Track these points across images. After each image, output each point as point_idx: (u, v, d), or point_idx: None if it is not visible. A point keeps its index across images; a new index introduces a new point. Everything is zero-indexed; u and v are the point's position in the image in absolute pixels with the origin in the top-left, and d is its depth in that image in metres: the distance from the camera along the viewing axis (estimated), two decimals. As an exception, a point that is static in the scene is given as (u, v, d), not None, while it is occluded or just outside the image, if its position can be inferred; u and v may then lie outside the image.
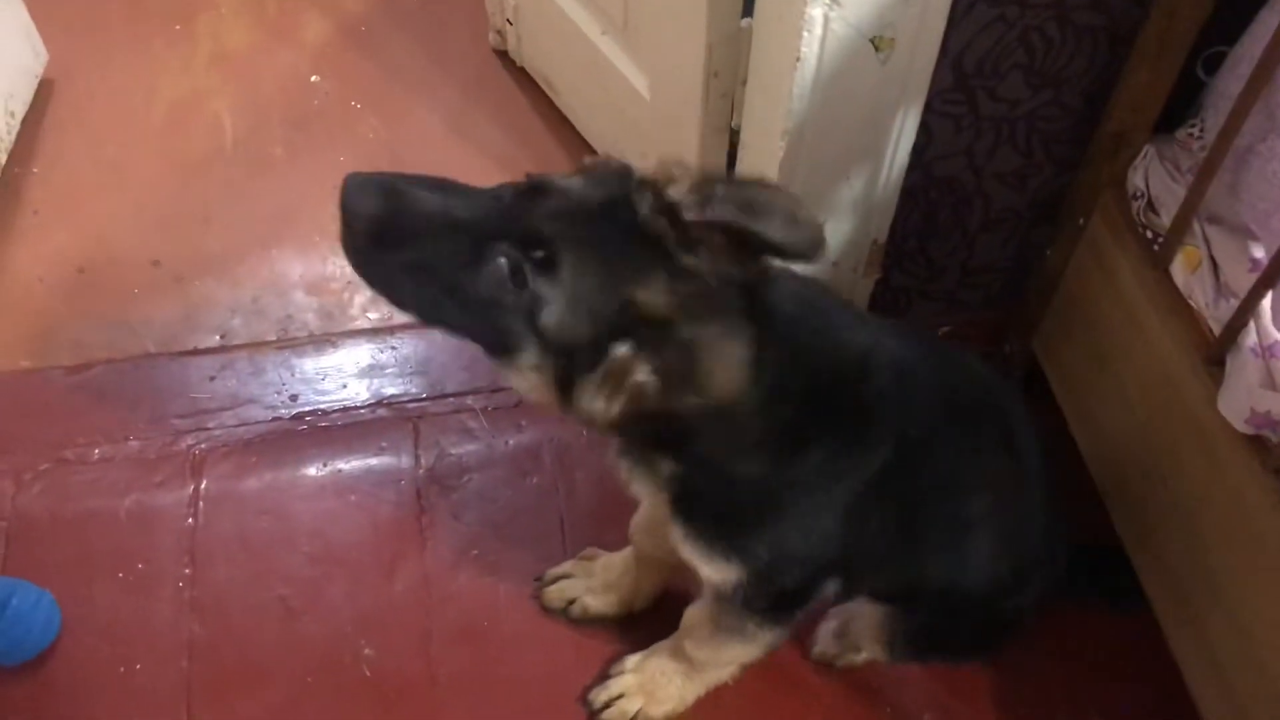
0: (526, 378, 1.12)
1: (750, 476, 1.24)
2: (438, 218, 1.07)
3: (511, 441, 1.93)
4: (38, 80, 2.40)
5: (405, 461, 1.91)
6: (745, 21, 1.77)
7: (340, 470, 1.90)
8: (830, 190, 1.68)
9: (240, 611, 1.74)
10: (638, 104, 2.09)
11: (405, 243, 1.08)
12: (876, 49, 1.47)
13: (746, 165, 1.88)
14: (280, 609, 1.75)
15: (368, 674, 1.69)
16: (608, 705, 1.63)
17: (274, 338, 2.09)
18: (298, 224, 2.26)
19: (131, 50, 2.56)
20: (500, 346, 1.12)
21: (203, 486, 1.87)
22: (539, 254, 1.05)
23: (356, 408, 1.98)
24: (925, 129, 1.62)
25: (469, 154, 2.40)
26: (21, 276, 2.15)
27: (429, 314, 1.17)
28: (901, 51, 1.48)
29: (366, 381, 2.02)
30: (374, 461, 1.92)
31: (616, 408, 1.07)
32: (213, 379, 2.01)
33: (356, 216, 1.07)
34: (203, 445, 1.92)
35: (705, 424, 1.13)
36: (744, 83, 1.81)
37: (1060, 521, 1.53)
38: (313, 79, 2.51)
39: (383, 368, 2.05)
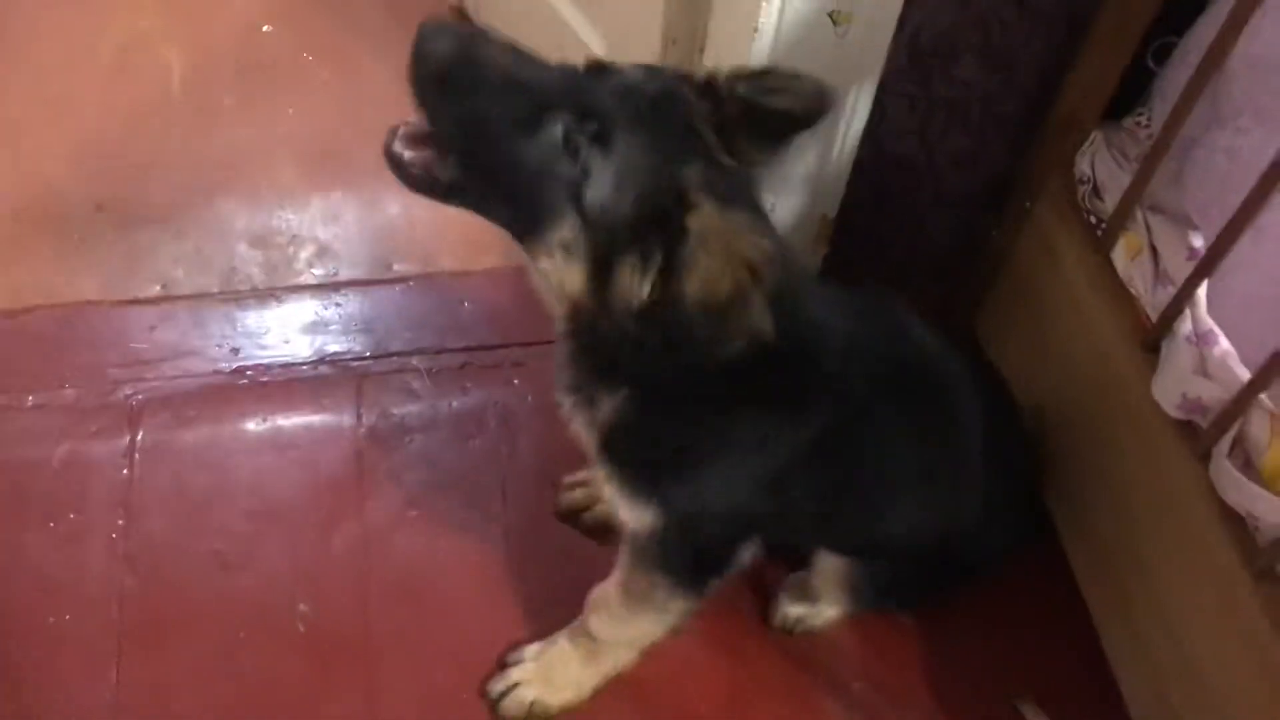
0: (556, 256, 1.12)
1: (683, 422, 1.27)
2: (504, 75, 1.10)
3: (455, 404, 1.92)
4: (-20, 17, 2.34)
5: (347, 420, 1.89)
6: (699, -14, 1.76)
7: (280, 426, 1.89)
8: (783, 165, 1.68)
9: (173, 564, 1.72)
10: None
11: (469, 93, 1.09)
12: (834, 23, 1.48)
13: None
14: (215, 562, 1.73)
15: (302, 629, 1.68)
16: (504, 694, 1.61)
17: (217, 290, 2.05)
18: (245, 175, 2.23)
19: (76, -13, 2.50)
20: (536, 219, 1.12)
21: (139, 437, 1.84)
22: (593, 127, 1.08)
23: (298, 364, 1.96)
24: (879, 107, 1.63)
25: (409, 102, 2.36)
26: (-41, 217, 2.10)
27: (472, 174, 1.16)
28: (858, 27, 1.49)
29: (310, 338, 2.00)
30: (315, 419, 1.90)
31: (645, 291, 1.06)
32: (153, 329, 1.98)
33: (427, 57, 1.08)
34: (140, 396, 1.89)
35: (679, 339, 1.10)
36: (701, 50, 1.80)
37: (1022, 477, 1.63)
38: (265, 28, 2.46)
39: (326, 324, 2.02)
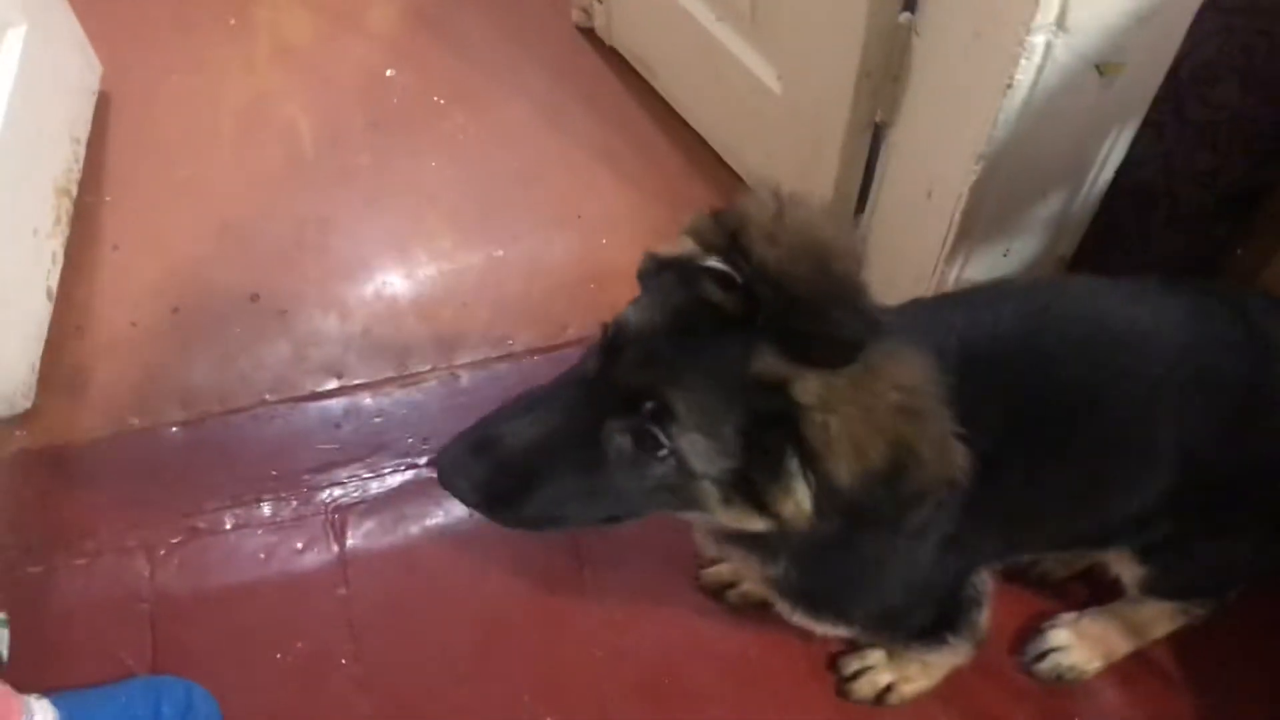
0: (723, 518, 1.04)
1: (846, 554, 1.22)
2: (539, 442, 1.01)
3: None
4: (95, 97, 2.23)
5: (557, 506, 1.81)
6: (904, 16, 1.62)
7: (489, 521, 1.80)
8: (1022, 211, 1.56)
9: (408, 685, 1.66)
10: (764, 96, 1.94)
11: (530, 487, 1.03)
12: (1101, 74, 1.34)
13: (898, 167, 1.76)
14: (450, 678, 1.67)
15: (551, 743, 1.62)
16: (857, 675, 1.62)
17: (393, 373, 1.96)
18: (397, 240, 2.12)
19: (185, 51, 2.38)
20: (684, 508, 1.06)
21: (348, 548, 1.77)
22: (649, 406, 0.97)
23: (495, 449, 1.87)
24: (1125, 139, 1.50)
25: (565, 147, 2.24)
26: (113, 321, 2.01)
27: (609, 524, 1.11)
28: (1128, 74, 1.35)
29: (499, 417, 1.91)
30: (523, 507, 1.82)
31: (806, 500, 0.96)
32: (338, 426, 1.90)
33: (466, 493, 1.04)
34: (340, 502, 1.81)
35: (871, 519, 1.00)
36: (895, 79, 1.66)
37: None
38: (388, 73, 2.34)
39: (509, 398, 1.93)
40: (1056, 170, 1.48)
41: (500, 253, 2.10)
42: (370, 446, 1.88)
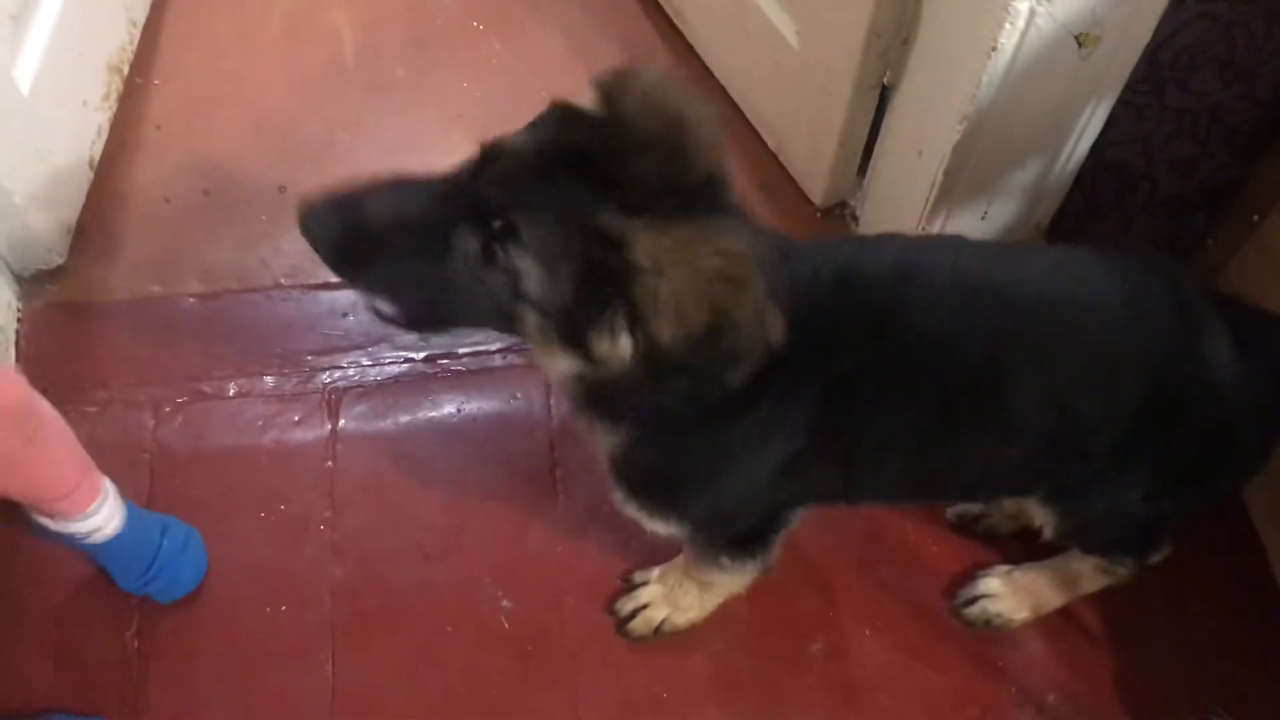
0: (537, 349, 1.12)
1: (685, 442, 1.26)
2: (394, 220, 1.09)
3: (644, 397, 1.93)
4: (155, -15, 2.35)
5: (538, 412, 1.92)
6: (917, -19, 1.70)
7: (474, 417, 1.92)
8: (1001, 175, 1.64)
9: (379, 556, 1.78)
10: (782, 49, 2.02)
11: (373, 255, 1.10)
12: (1080, 44, 1.42)
13: (897, 126, 1.84)
14: (418, 554, 1.78)
15: (506, 625, 1.73)
16: (633, 615, 1.70)
17: (402, 273, 2.07)
18: (422, 151, 2.23)
19: (245, -51, 2.48)
20: (502, 326, 1.12)
21: (340, 426, 1.89)
22: (498, 224, 1.03)
23: (489, 353, 1.98)
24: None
25: (588, 80, 2.33)
26: (147, 195, 2.13)
27: (432, 319, 1.20)
28: (1105, 48, 1.43)
29: (497, 324, 2.01)
30: (507, 410, 1.93)
31: (626, 349, 1.02)
32: (345, 316, 2.01)
33: (319, 244, 1.11)
34: (338, 385, 1.93)
35: (685, 379, 1.05)
36: (904, 41, 1.74)
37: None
38: (433, -6, 2.44)
39: (511, 309, 2.03)
40: (1034, 137, 1.56)
41: (517, 173, 2.20)
42: (372, 337, 1.99)
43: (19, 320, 1.95)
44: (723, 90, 2.29)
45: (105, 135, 2.15)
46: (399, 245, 1.09)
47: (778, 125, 2.16)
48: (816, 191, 2.12)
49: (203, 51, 2.32)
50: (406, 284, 1.13)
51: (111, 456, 1.81)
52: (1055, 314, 1.24)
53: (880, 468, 1.34)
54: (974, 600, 1.73)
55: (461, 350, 1.98)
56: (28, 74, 1.87)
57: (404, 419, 1.91)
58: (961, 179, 1.63)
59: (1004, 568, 1.74)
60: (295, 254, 2.08)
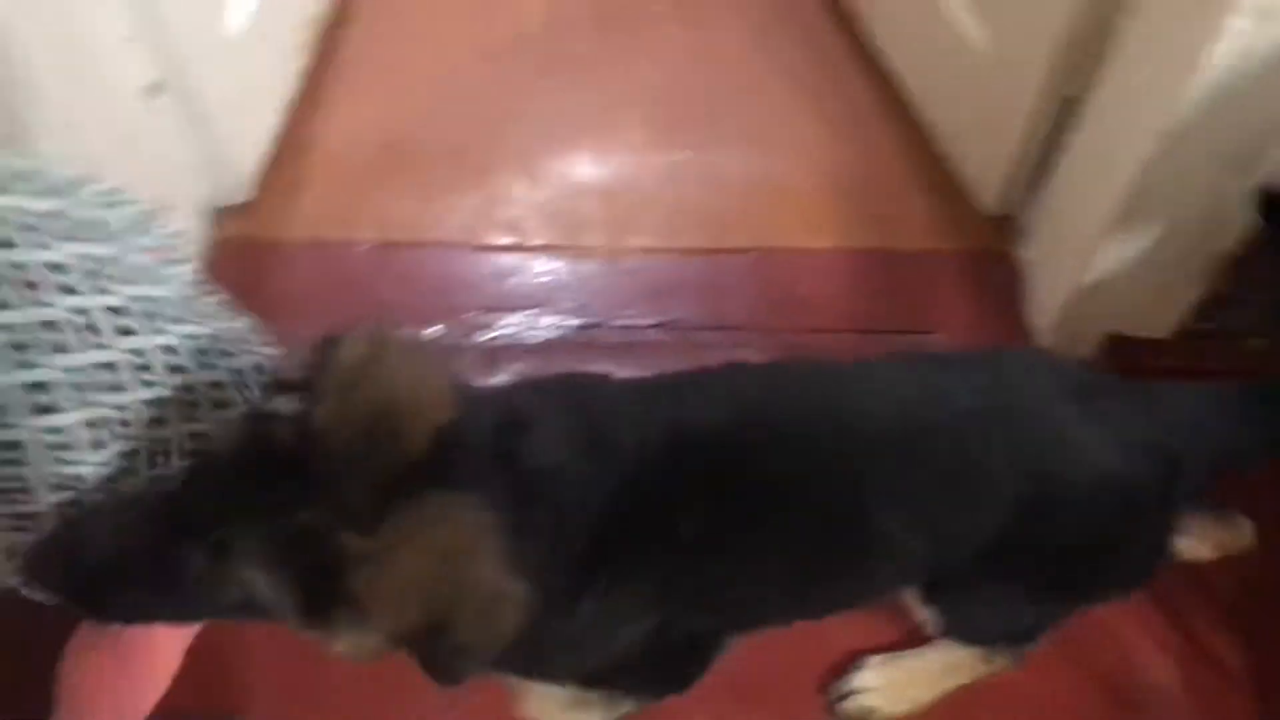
0: (320, 641, 0.99)
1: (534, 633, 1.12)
2: (120, 552, 0.98)
3: (792, 387, 1.95)
4: (357, -57, 2.45)
5: (687, 390, 1.95)
6: (1117, -6, 1.68)
7: (623, 389, 1.96)
8: (1187, 195, 1.60)
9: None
10: (967, 54, 2.02)
11: (110, 597, 1.00)
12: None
13: (1083, 140, 1.81)
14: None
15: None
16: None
17: (565, 243, 2.13)
18: (597, 129, 2.29)
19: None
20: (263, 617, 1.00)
21: (493, 384, 1.94)
22: (214, 539, 0.93)
23: (642, 327, 2.02)
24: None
25: (766, 73, 2.37)
26: (334, 142, 2.24)
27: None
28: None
29: (654, 302, 2.05)
30: (656, 385, 1.96)
31: (364, 641, 0.94)
32: (508, 278, 2.07)
33: (53, 589, 0.99)
34: (497, 342, 1.99)
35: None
36: (1095, 54, 1.72)
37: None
38: (621, -26, 2.50)
39: (670, 290, 2.07)
40: (1232, 158, 1.53)
41: (685, 157, 2.24)
42: (532, 301, 2.05)
43: (205, 252, 2.06)
44: (898, 94, 2.29)
45: (302, 80, 2.26)
46: (130, 574, 0.98)
47: (953, 129, 2.16)
48: (986, 200, 2.11)
49: (397, 12, 2.42)
50: (147, 607, 1.02)
51: (280, 388, 1.90)
52: (907, 438, 1.18)
53: (744, 611, 1.29)
54: (848, 694, 1.62)
55: (615, 323, 2.02)
56: (240, 17, 1.98)
57: (556, 383, 1.96)
58: (1148, 199, 1.60)
59: (879, 658, 1.63)
60: (467, 214, 2.15)
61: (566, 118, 2.30)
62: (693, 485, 1.10)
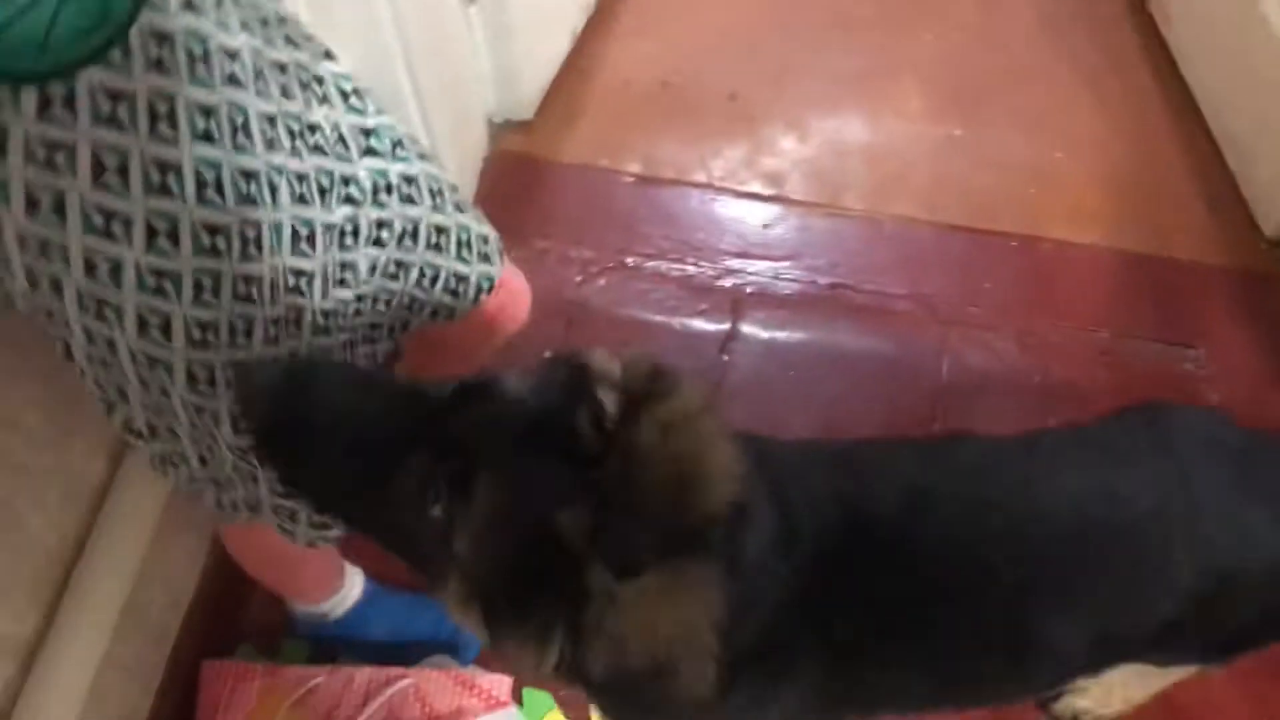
0: (460, 613, 0.93)
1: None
2: (349, 412, 0.91)
3: (1038, 379, 1.92)
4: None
5: (929, 366, 1.94)
6: None
7: (865, 353, 1.96)
8: None
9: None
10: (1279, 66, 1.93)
11: (305, 448, 0.93)
12: None
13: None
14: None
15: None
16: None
17: (825, 201, 2.14)
18: (871, 92, 2.29)
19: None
20: (422, 572, 0.95)
21: (739, 326, 1.99)
22: (455, 464, 0.87)
23: (892, 295, 2.02)
24: None
25: (1056, 60, 2.32)
26: (613, 75, 2.31)
27: (350, 523, 1.03)
28: None
29: (905, 273, 2.05)
30: (899, 355, 1.96)
31: (549, 661, 0.88)
32: (766, 227, 2.11)
33: (256, 399, 0.91)
34: (746, 288, 2.03)
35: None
36: None
37: None
38: (917, -58, 2.47)
39: (925, 263, 2.06)
40: None
41: (959, 132, 2.22)
42: (785, 251, 2.08)
43: (484, 161, 2.16)
44: (1194, 106, 2.21)
45: (589, 13, 2.33)
46: (341, 439, 0.91)
47: (1247, 144, 2.07)
48: (1270, 221, 2.02)
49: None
50: (332, 487, 0.95)
51: (538, 301, 1.99)
52: (1081, 540, 1.12)
53: (902, 704, 1.22)
54: (1059, 695, 1.61)
55: (865, 287, 2.03)
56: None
57: (798, 335, 1.99)
58: None
59: None
60: (733, 160, 2.20)
61: (843, 78, 2.30)
62: (858, 582, 1.04)
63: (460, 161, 2.01)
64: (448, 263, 1.15)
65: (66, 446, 1.23)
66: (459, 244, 1.17)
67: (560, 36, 2.25)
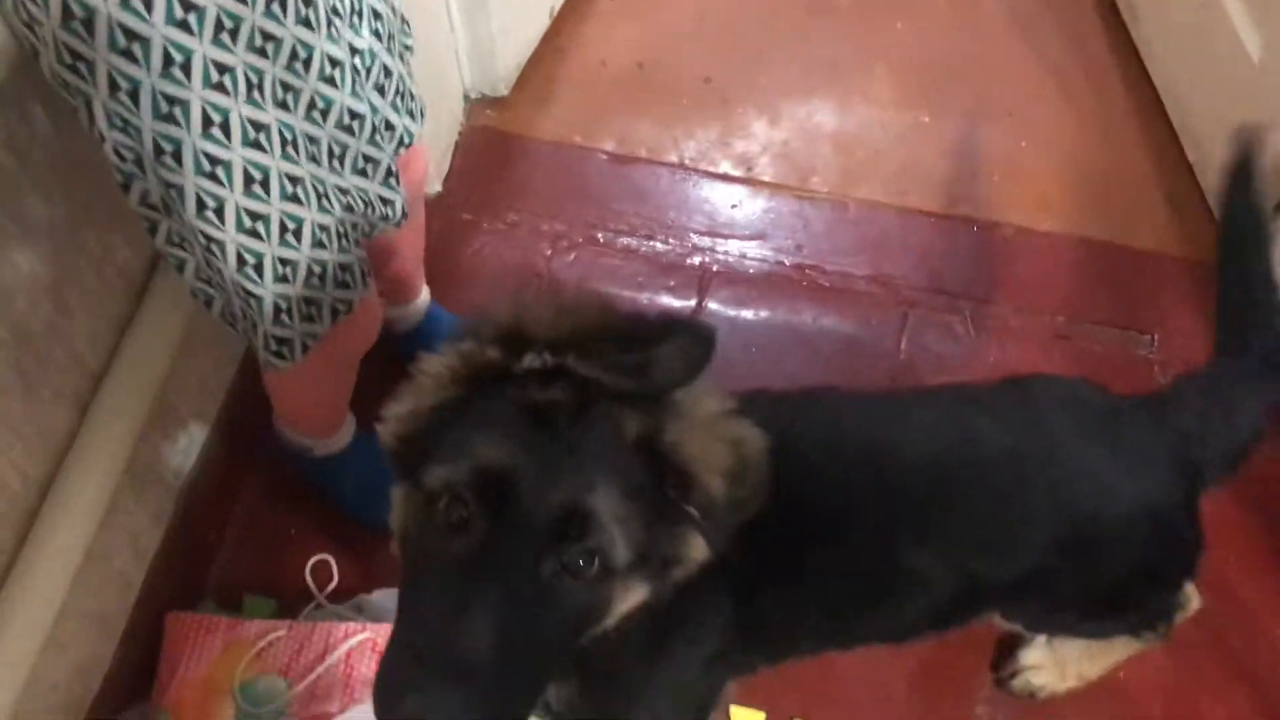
0: (628, 601, 0.98)
1: (622, 678, 1.20)
2: (507, 633, 0.87)
3: (994, 359, 1.97)
4: None
5: (888, 344, 1.99)
6: None
7: (826, 331, 2.01)
8: None
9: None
10: (1240, 62, 1.97)
11: (526, 679, 0.92)
12: None
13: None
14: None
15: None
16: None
17: (794, 184, 2.18)
18: (843, 80, 2.32)
19: None
20: (593, 621, 0.97)
21: (705, 303, 2.03)
22: (575, 523, 0.88)
23: (854, 276, 2.06)
24: None
25: (1023, 52, 2.36)
26: (589, 55, 2.34)
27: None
28: None
29: (870, 254, 2.09)
30: (859, 334, 2.01)
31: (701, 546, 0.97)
32: (734, 207, 2.15)
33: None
34: (713, 266, 2.07)
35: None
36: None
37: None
38: (890, -65, 2.51)
39: (888, 245, 2.10)
40: None
41: (926, 120, 2.26)
42: (752, 232, 2.12)
43: (459, 135, 2.20)
44: (1155, 94, 2.25)
45: (567, -7, 2.37)
46: (526, 646, 0.88)
47: (1207, 139, 2.11)
48: (1227, 213, 2.06)
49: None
50: (523, 653, 0.89)
51: (509, 272, 2.03)
52: (941, 476, 1.21)
53: (796, 642, 1.34)
54: (1016, 673, 1.67)
55: (829, 268, 2.07)
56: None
57: (763, 313, 2.03)
58: None
59: (1044, 637, 1.65)
60: (704, 142, 2.24)
61: (816, 65, 2.34)
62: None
63: (435, 135, 2.04)
64: (383, 107, 1.29)
65: (34, 393, 1.26)
66: (397, 93, 1.31)
67: (539, 14, 2.28)
